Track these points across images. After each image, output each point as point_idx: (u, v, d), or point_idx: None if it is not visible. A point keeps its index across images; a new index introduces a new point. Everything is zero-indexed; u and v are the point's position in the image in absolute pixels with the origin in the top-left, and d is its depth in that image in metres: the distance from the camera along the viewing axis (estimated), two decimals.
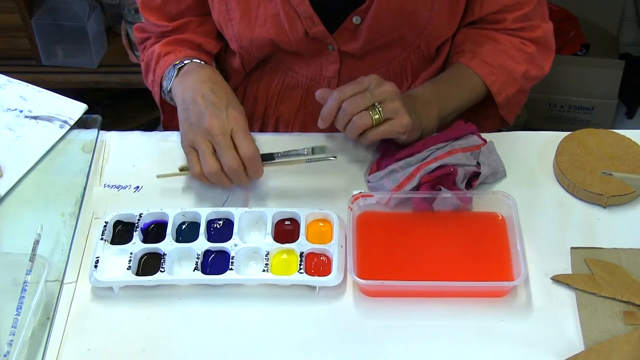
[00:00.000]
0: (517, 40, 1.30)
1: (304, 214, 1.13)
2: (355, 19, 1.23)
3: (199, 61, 1.26)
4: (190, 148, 1.14)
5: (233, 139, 1.12)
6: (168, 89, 1.25)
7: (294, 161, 1.18)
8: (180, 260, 1.11)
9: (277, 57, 1.28)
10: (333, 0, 1.22)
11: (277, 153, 1.19)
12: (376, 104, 1.12)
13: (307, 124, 1.37)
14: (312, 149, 1.18)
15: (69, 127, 1.30)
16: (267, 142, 1.27)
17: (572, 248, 1.11)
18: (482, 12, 1.27)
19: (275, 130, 1.40)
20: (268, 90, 1.37)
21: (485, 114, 1.36)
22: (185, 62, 1.25)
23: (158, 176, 1.21)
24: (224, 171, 1.12)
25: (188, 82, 1.19)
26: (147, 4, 1.30)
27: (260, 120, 1.41)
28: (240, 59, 1.34)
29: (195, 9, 1.30)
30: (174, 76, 1.23)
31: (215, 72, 1.23)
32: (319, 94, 1.16)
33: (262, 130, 1.42)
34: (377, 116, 1.12)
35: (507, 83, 1.29)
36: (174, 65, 1.25)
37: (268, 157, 1.18)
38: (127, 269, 1.08)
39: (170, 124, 1.40)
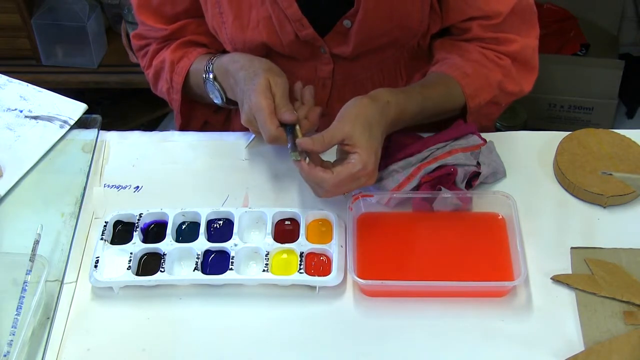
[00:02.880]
0: (490, 53, 1.26)
1: (304, 214, 1.13)
2: (346, 23, 1.22)
3: (214, 57, 1.26)
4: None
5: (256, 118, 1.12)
6: (212, 77, 1.25)
7: None
8: (180, 260, 1.11)
9: (271, 59, 1.28)
10: (323, 4, 1.22)
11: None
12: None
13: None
14: None
15: (69, 127, 1.30)
16: (265, 141, 1.27)
17: (572, 248, 1.11)
18: (449, 19, 1.26)
19: None
20: None
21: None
22: (210, 68, 1.25)
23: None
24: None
25: (229, 80, 1.21)
26: (143, 5, 1.30)
27: None
28: None
29: (192, 12, 1.30)
30: (219, 89, 1.24)
31: (230, 62, 1.22)
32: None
33: None
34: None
35: (482, 88, 1.25)
36: (206, 79, 1.25)
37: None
38: (127, 269, 1.08)
39: (187, 128, 1.39)
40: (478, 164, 1.18)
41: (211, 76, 1.24)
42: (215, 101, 1.27)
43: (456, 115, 1.27)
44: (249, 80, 1.14)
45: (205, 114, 1.40)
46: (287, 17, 1.21)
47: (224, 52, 1.32)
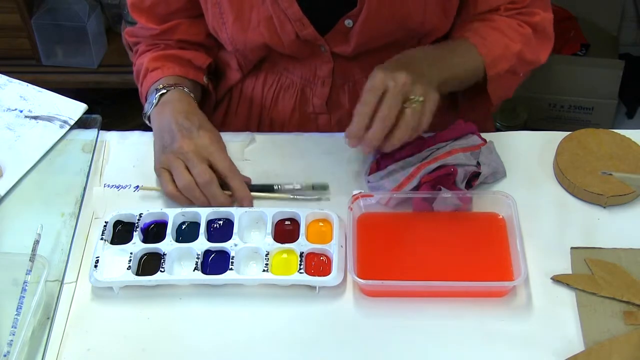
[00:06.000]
0: (512, 21, 1.27)
1: (304, 214, 1.13)
2: (347, 22, 1.22)
3: (182, 88, 1.26)
4: (162, 169, 1.17)
5: (209, 157, 1.16)
6: (147, 114, 1.26)
7: (282, 197, 1.19)
8: (180, 260, 1.11)
9: (271, 58, 1.28)
10: (324, 3, 1.22)
11: (277, 185, 1.19)
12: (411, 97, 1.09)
13: (302, 125, 1.37)
14: (313, 185, 1.19)
15: (69, 127, 1.30)
16: (265, 141, 1.28)
17: (572, 248, 1.11)
18: (477, 11, 1.27)
19: (271, 131, 1.40)
20: (263, 91, 1.37)
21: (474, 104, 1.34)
22: (167, 89, 1.25)
23: (141, 188, 1.22)
24: (198, 185, 1.14)
25: (165, 113, 1.21)
26: (137, 5, 1.30)
27: (257, 121, 1.40)
28: (236, 60, 1.34)
29: (186, 11, 1.30)
30: (154, 104, 1.24)
31: (191, 104, 1.24)
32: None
33: (259, 131, 1.42)
34: (415, 105, 1.09)
35: (501, 58, 1.25)
36: (157, 90, 1.25)
37: (267, 189, 1.19)
38: (127, 269, 1.08)
39: None
40: (478, 164, 1.18)
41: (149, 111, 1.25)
42: (146, 106, 1.27)
43: (476, 85, 1.27)
44: (195, 128, 1.18)
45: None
46: (288, 16, 1.21)
47: (196, 74, 1.32)
